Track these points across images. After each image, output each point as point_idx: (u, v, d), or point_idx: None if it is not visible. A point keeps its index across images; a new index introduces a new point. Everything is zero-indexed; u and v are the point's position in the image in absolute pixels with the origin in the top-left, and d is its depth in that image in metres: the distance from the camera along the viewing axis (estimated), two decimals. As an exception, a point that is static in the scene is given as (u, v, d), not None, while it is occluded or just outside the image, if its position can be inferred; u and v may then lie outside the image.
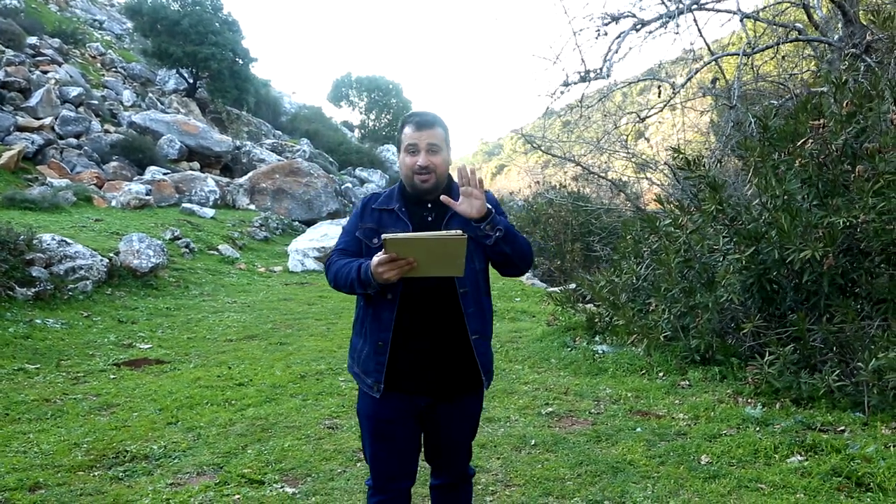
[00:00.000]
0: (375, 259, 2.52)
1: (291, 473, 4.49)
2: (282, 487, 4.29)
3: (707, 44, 9.87)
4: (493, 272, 2.90)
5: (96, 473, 4.55)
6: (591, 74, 8.64)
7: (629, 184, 16.29)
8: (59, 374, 7.00)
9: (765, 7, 11.25)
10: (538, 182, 19.71)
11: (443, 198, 2.63)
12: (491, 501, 4.01)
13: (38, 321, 8.55)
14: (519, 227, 20.34)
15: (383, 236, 2.45)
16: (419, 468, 2.98)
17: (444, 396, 2.81)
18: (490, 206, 2.67)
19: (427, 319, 2.76)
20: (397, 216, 2.82)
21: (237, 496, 4.17)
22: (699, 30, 9.59)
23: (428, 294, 2.74)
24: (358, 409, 2.96)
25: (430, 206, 2.83)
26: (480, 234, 2.69)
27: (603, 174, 15.25)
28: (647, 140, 20.41)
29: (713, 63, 9.99)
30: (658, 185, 13.03)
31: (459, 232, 2.46)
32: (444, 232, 2.57)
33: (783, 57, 10.16)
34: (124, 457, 4.81)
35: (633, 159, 14.79)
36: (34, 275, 9.32)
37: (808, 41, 10.13)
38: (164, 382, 6.70)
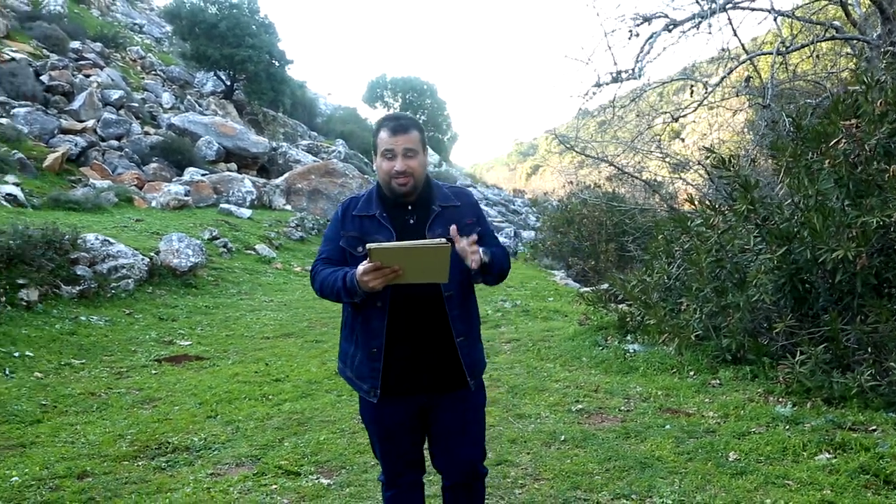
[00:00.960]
0: (361, 268, 2.56)
1: (327, 465, 4.62)
2: (317, 478, 4.42)
3: (742, 43, 9.84)
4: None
5: (140, 463, 4.73)
6: (623, 75, 8.68)
7: (664, 184, 16.26)
8: (104, 369, 7.22)
9: (801, 5, 11.17)
10: (570, 182, 19.69)
11: (453, 230, 2.65)
12: (520, 494, 4.10)
13: (83, 318, 8.80)
14: (553, 226, 20.39)
15: (368, 246, 2.48)
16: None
17: (435, 394, 2.88)
18: (485, 260, 2.70)
19: (415, 324, 2.81)
20: (379, 223, 2.84)
21: (274, 486, 4.31)
22: (734, 30, 9.56)
23: (415, 299, 2.78)
24: (361, 415, 3.04)
25: (410, 208, 2.86)
26: (472, 277, 2.82)
27: (637, 174, 15.23)
28: (682, 140, 20.30)
29: (748, 62, 9.96)
30: (691, 184, 13.01)
31: (443, 240, 2.52)
32: (428, 241, 2.62)
33: (817, 56, 10.09)
34: (166, 448, 4.98)
35: (667, 159, 14.77)
36: (79, 273, 9.59)
37: (846, 39, 10.05)
38: (203, 378, 6.88)
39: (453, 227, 2.67)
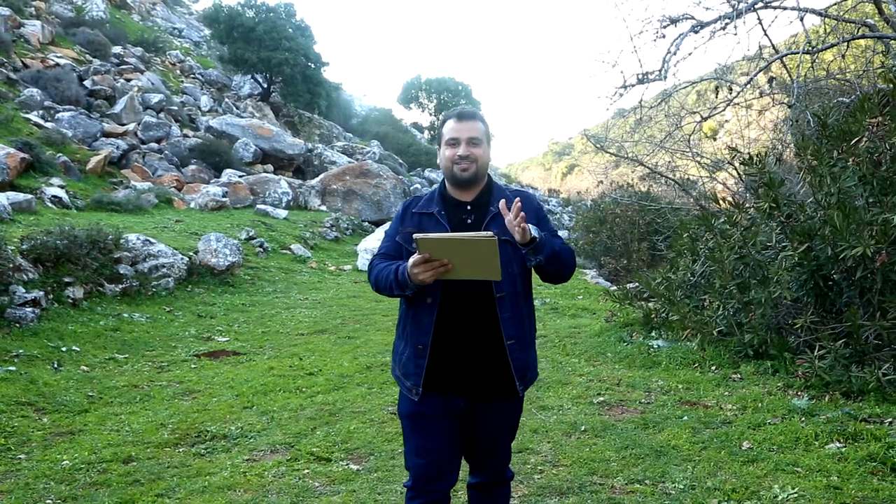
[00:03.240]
0: (411, 260, 2.59)
1: (356, 452, 4.86)
2: (347, 464, 4.66)
3: (772, 42, 9.87)
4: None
5: (181, 450, 5.01)
6: (649, 76, 8.79)
7: (697, 183, 16.27)
8: (146, 364, 7.54)
9: (834, 3, 11.16)
10: (601, 182, 19.76)
11: (501, 204, 2.66)
12: (539, 479, 4.30)
13: (126, 315, 9.15)
14: (586, 226, 20.46)
15: (415, 236, 2.51)
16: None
17: (480, 399, 2.85)
18: (535, 234, 2.65)
19: (465, 323, 2.80)
20: (437, 219, 2.86)
21: (306, 471, 4.56)
22: (764, 30, 9.65)
23: (466, 298, 2.78)
24: (399, 411, 3.03)
25: (469, 208, 2.88)
26: (524, 255, 2.75)
27: (671, 174, 15.27)
28: (714, 139, 20.26)
29: (779, 61, 9.99)
30: (721, 183, 13.05)
31: (490, 233, 2.49)
32: (474, 233, 2.60)
33: (842, 55, 10.08)
34: (205, 436, 5.26)
35: (699, 159, 14.79)
36: (121, 272, 9.95)
37: (879, 38, 10.04)
38: (240, 371, 7.17)
39: (502, 202, 2.68)
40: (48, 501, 4.18)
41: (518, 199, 2.64)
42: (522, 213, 2.59)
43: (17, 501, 4.17)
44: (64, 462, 4.74)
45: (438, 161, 2.93)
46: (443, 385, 2.84)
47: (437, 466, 2.89)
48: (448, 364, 2.83)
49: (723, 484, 4.04)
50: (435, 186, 3.02)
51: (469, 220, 2.87)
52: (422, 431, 2.90)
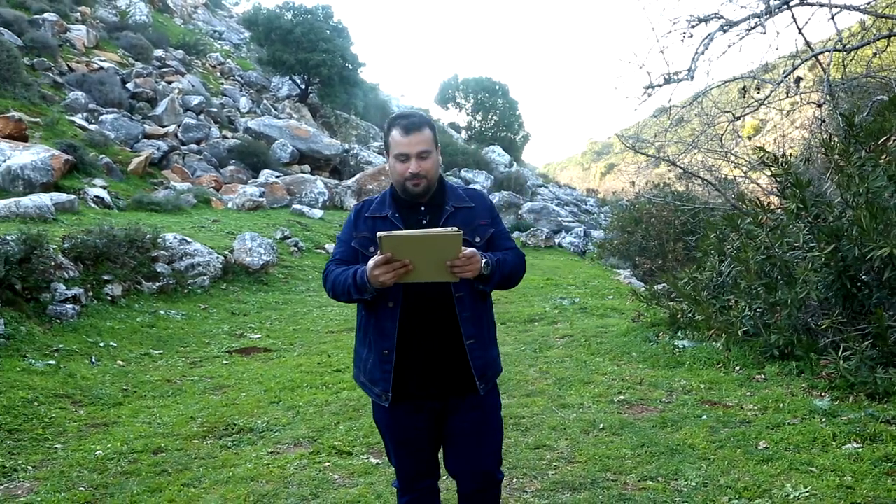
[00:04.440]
0: (371, 262, 2.55)
1: (377, 447, 4.97)
2: (367, 458, 4.79)
3: (806, 40, 9.77)
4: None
5: (209, 442, 5.18)
6: (676, 76, 8.78)
7: (734, 183, 16.13)
8: (179, 359, 7.76)
9: (868, 0, 11.01)
10: (633, 182, 19.68)
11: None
12: (553, 474, 4.38)
13: (162, 312, 9.39)
14: (621, 226, 20.39)
15: (378, 234, 2.47)
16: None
17: (446, 398, 2.87)
18: (483, 272, 2.64)
19: (426, 325, 2.80)
20: (391, 223, 2.82)
21: (327, 464, 4.69)
22: (799, 28, 9.49)
23: (426, 300, 2.78)
24: (375, 420, 3.06)
25: (423, 209, 2.86)
26: (475, 286, 2.78)
27: (708, 173, 15.16)
28: (750, 139, 20.04)
29: (815, 60, 9.89)
30: (756, 183, 12.94)
31: (455, 228, 2.49)
32: (439, 229, 2.64)
33: (881, 52, 9.94)
34: (232, 429, 5.43)
35: (735, 159, 14.67)
36: (158, 270, 10.22)
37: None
38: (269, 368, 7.34)
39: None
40: (81, 489, 4.37)
41: (467, 250, 2.56)
42: (470, 257, 2.55)
43: (52, 488, 4.36)
44: (97, 452, 4.94)
45: (387, 167, 2.90)
46: (411, 391, 2.84)
47: (420, 466, 2.99)
48: (413, 367, 2.83)
49: (735, 482, 4.07)
50: (385, 189, 2.99)
51: (424, 221, 2.85)
52: (400, 442, 2.95)
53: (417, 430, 2.91)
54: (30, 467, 4.71)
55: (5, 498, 4.24)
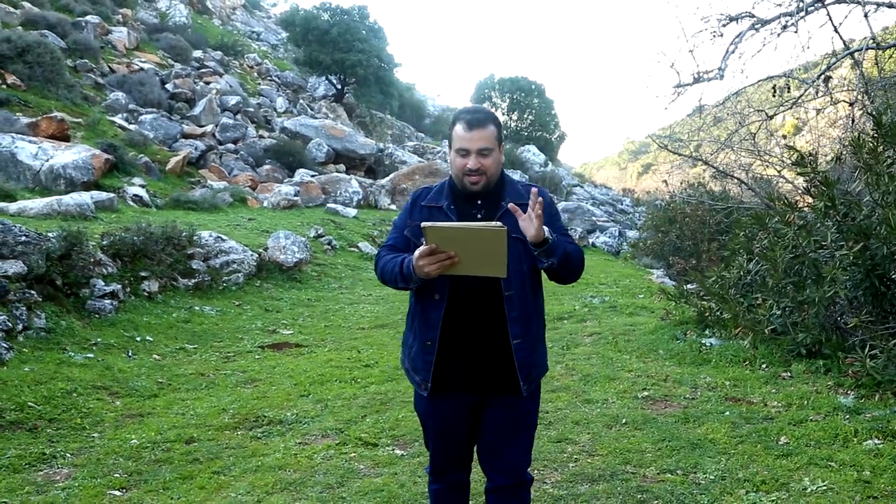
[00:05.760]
0: (417, 252, 2.56)
1: (402, 439, 5.09)
2: (392, 449, 4.90)
3: (843, 39, 9.68)
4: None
5: (239, 433, 5.34)
6: (706, 75, 8.77)
7: (771, 182, 15.98)
8: (213, 354, 7.95)
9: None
10: (665, 181, 19.56)
11: (511, 206, 2.61)
12: (573, 467, 4.45)
13: (197, 308, 9.61)
14: (655, 225, 20.29)
15: (423, 224, 2.48)
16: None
17: (487, 394, 2.88)
18: (548, 235, 2.63)
19: (473, 320, 2.81)
20: (446, 214, 2.83)
21: (353, 454, 4.82)
22: (834, 27, 9.39)
23: (474, 295, 2.78)
24: (415, 407, 3.09)
25: (479, 202, 2.84)
26: (534, 256, 2.72)
27: (743, 172, 15.05)
28: (785, 137, 19.82)
29: (849, 59, 9.79)
30: (790, 182, 12.83)
31: (500, 224, 2.45)
32: (483, 223, 2.56)
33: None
34: (262, 421, 5.58)
35: (769, 158, 14.55)
36: (194, 267, 10.44)
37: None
38: (300, 362, 7.49)
39: (511, 204, 2.63)
40: (116, 475, 4.54)
41: (535, 190, 2.61)
42: (541, 206, 2.57)
43: (89, 474, 4.54)
44: (132, 441, 5.11)
45: (448, 161, 2.89)
46: (451, 384, 2.87)
47: (454, 458, 3.03)
48: (456, 361, 2.85)
49: (754, 476, 4.12)
50: (445, 178, 2.99)
51: (479, 215, 2.83)
52: (438, 432, 2.99)
53: (454, 423, 2.94)
54: (68, 454, 4.89)
55: (45, 483, 4.43)
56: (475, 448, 3.07)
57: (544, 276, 2.91)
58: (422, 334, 2.87)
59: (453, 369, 2.85)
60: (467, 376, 2.85)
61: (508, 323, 2.79)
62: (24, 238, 7.48)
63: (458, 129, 2.78)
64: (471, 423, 2.96)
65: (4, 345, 6.45)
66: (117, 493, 4.32)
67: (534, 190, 2.61)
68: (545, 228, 2.62)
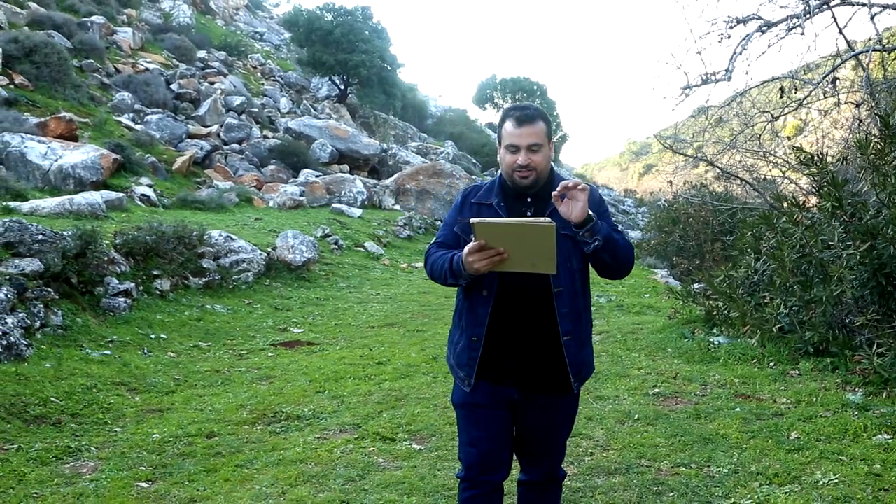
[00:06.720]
0: (466, 248, 2.57)
1: (419, 434, 5.19)
2: (410, 444, 5.00)
3: (847, 40, 9.76)
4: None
5: (258, 427, 5.44)
6: (714, 77, 8.87)
7: (775, 183, 16.07)
8: (227, 351, 8.05)
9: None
10: (670, 182, 19.67)
11: (555, 194, 2.62)
12: (588, 461, 4.56)
13: (208, 307, 9.71)
14: (658, 226, 20.39)
15: (472, 221, 2.49)
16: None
17: (533, 391, 2.86)
18: (591, 213, 2.64)
19: (521, 317, 2.80)
20: (496, 210, 2.83)
21: (372, 448, 4.92)
22: (839, 28, 9.48)
23: (523, 292, 2.77)
24: (452, 401, 3.05)
25: (529, 200, 2.84)
26: (579, 240, 2.71)
27: (747, 173, 15.13)
28: (789, 139, 19.90)
29: (855, 60, 9.87)
30: (794, 183, 12.93)
31: (549, 219, 2.45)
32: (532, 219, 2.58)
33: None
34: (280, 416, 5.68)
35: (774, 159, 14.64)
36: (205, 266, 10.55)
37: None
38: (313, 360, 7.59)
39: (554, 192, 2.64)
40: (142, 468, 4.64)
41: (579, 182, 2.63)
42: (582, 186, 2.60)
43: (115, 467, 4.64)
44: (154, 435, 5.22)
45: (498, 159, 2.90)
46: (496, 375, 2.85)
47: (489, 457, 2.91)
48: (502, 357, 2.83)
49: (766, 469, 4.22)
50: (495, 177, 2.96)
51: (529, 213, 2.83)
52: (474, 420, 2.91)
53: (495, 419, 2.90)
54: (93, 448, 5.00)
55: (73, 475, 4.53)
56: (512, 448, 3.02)
57: (594, 275, 2.92)
58: (469, 330, 2.87)
59: (499, 365, 2.84)
60: (514, 372, 2.84)
61: (559, 319, 2.79)
62: (41, 237, 7.59)
63: (508, 125, 2.79)
64: (509, 422, 2.93)
65: (24, 341, 6.55)
66: (144, 485, 4.42)
67: (574, 182, 2.63)
68: (589, 211, 2.64)
